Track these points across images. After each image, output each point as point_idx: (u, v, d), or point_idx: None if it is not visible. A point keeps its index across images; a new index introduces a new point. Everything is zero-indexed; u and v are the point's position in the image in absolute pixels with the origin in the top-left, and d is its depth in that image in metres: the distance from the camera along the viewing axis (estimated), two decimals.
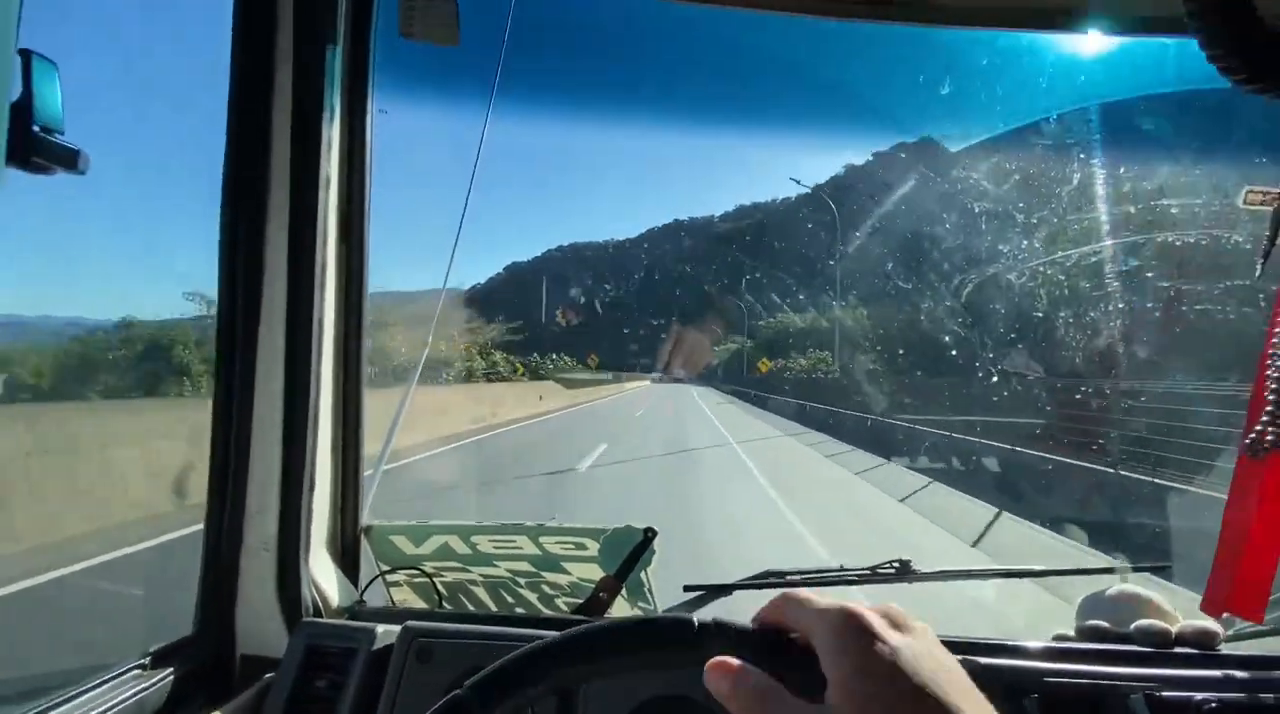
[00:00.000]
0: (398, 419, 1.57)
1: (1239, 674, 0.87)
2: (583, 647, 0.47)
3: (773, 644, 0.44)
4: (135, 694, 0.88)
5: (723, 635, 0.44)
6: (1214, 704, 0.78)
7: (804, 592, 0.43)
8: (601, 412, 25.97)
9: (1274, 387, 0.62)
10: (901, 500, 8.64)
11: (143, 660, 0.93)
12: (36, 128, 0.63)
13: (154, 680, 0.91)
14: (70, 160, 0.66)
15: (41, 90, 0.63)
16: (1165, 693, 0.82)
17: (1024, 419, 10.72)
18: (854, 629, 0.39)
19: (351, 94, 1.14)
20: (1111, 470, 8.44)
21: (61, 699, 0.82)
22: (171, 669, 0.94)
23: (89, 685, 0.86)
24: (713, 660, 0.41)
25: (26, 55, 0.62)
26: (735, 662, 0.41)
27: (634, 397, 40.36)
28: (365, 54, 1.15)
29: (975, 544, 6.44)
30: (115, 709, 0.85)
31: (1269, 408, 0.61)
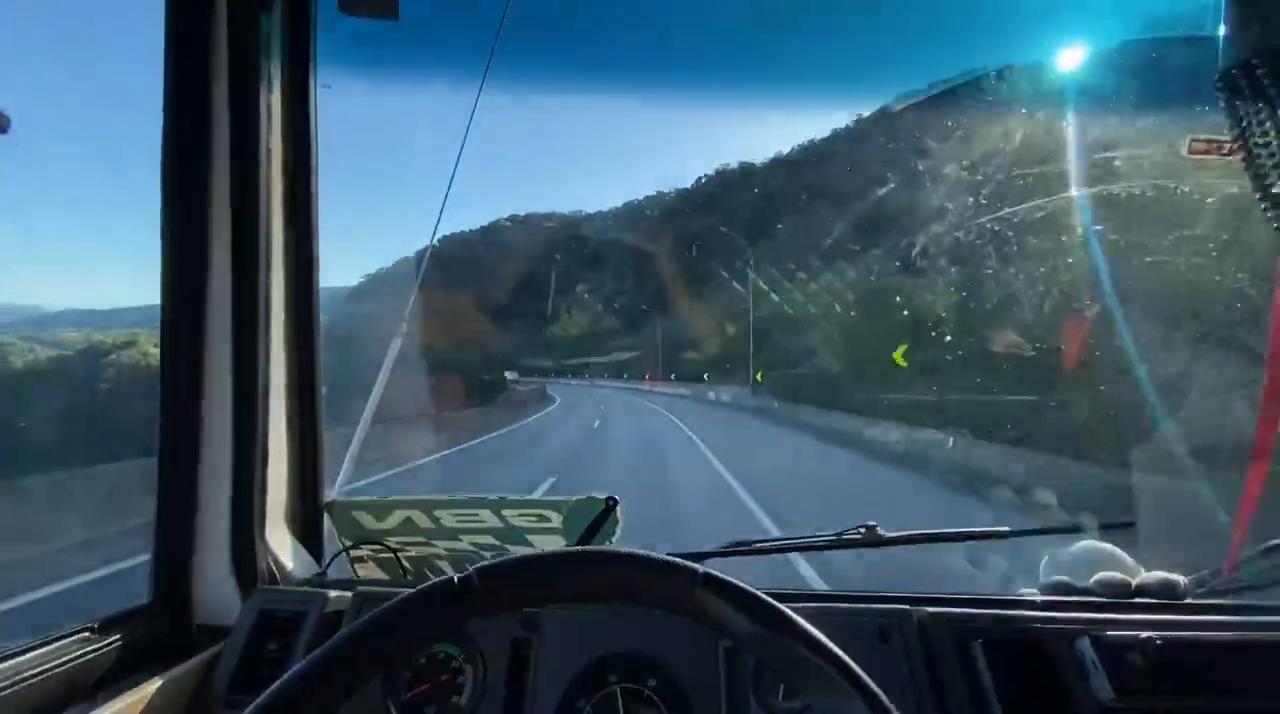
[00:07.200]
0: (372, 404, 1.55)
1: (1191, 618, 0.88)
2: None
3: None
4: (80, 657, 0.87)
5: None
6: (1158, 641, 0.79)
7: None
8: None
9: None
10: None
11: (90, 625, 0.92)
12: None
13: (101, 646, 0.90)
14: None
15: None
16: (1111, 633, 0.82)
17: None
18: None
19: (292, 66, 1.14)
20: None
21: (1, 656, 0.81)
22: (120, 636, 0.93)
23: (30, 645, 0.85)
24: None
25: None
26: None
27: None
28: (306, 27, 1.15)
29: None
30: (58, 671, 0.84)
31: None
